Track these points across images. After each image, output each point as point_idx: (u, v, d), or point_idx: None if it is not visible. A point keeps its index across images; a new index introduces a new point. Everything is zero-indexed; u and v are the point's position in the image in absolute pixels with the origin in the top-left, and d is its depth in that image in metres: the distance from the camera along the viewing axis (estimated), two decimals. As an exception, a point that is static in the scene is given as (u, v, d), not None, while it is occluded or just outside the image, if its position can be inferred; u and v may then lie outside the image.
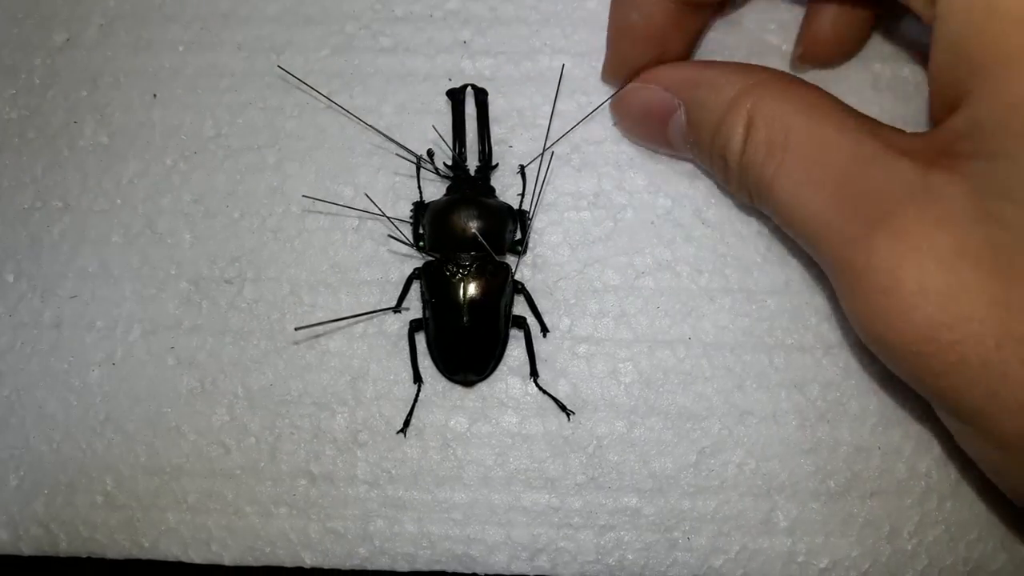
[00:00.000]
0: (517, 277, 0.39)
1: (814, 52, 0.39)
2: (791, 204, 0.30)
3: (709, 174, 0.39)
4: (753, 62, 0.40)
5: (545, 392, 0.38)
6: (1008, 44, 0.25)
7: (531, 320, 0.39)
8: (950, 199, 0.26)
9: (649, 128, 0.37)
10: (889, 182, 0.27)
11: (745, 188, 0.32)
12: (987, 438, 0.27)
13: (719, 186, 0.39)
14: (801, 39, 0.39)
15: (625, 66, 0.37)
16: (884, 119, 0.39)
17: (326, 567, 0.38)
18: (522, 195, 0.40)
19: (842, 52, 0.39)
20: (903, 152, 0.28)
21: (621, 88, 0.38)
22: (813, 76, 0.40)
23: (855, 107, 0.39)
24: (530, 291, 0.39)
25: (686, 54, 0.37)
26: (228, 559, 0.38)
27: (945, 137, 0.27)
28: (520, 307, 0.39)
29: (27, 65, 0.43)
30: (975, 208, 0.26)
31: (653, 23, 0.34)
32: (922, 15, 0.29)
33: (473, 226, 0.37)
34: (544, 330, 0.39)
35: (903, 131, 0.30)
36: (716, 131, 0.32)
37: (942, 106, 0.28)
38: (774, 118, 0.30)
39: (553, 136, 0.39)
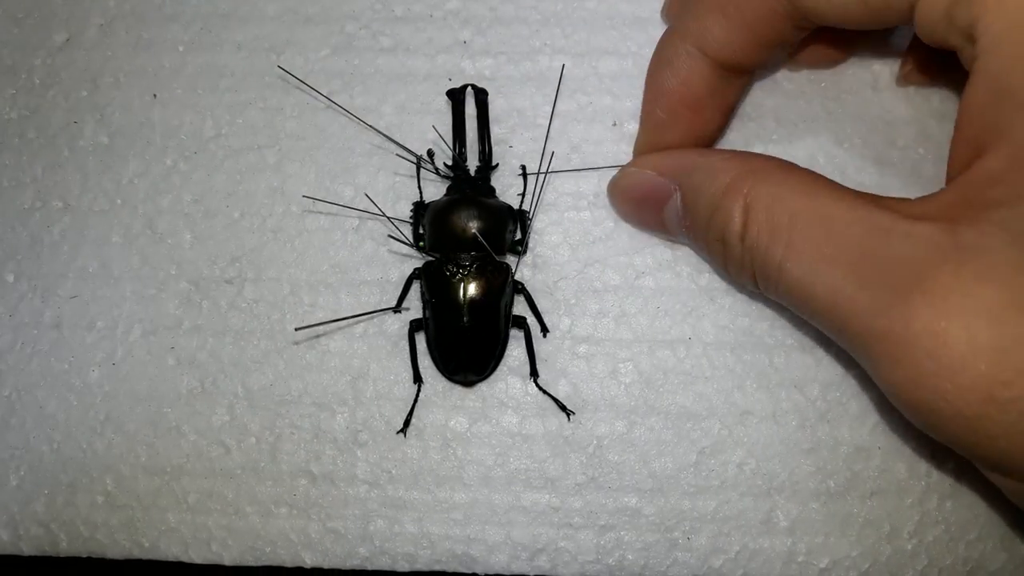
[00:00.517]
0: (517, 277, 0.39)
1: (920, 70, 0.39)
2: (806, 284, 0.29)
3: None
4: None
5: (545, 392, 0.38)
6: None
7: (531, 320, 0.39)
8: (989, 252, 0.25)
9: (645, 213, 0.37)
10: (913, 248, 0.26)
11: (749, 272, 0.32)
12: None
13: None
14: (906, 59, 0.39)
15: (658, 136, 0.36)
16: (884, 119, 0.40)
17: (326, 567, 0.38)
18: (523, 195, 0.40)
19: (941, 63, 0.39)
20: (919, 217, 0.27)
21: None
22: (813, 75, 0.40)
23: (855, 107, 0.40)
24: (530, 291, 0.39)
25: (721, 124, 0.37)
26: (228, 559, 0.38)
27: (972, 185, 0.26)
28: (520, 307, 0.39)
29: (27, 65, 0.43)
30: (1020, 256, 0.24)
31: (691, 89, 0.34)
32: (961, 54, 0.28)
33: (473, 226, 0.37)
34: (544, 330, 0.39)
35: (909, 199, 0.29)
36: (712, 216, 0.32)
37: (969, 151, 0.27)
38: (774, 201, 0.30)
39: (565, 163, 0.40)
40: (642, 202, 0.37)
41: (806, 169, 0.31)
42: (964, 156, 0.28)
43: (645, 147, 0.37)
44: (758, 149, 0.40)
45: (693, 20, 0.33)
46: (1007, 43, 0.25)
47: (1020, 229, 0.25)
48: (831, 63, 0.40)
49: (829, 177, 0.30)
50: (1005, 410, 0.25)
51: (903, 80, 0.40)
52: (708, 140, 0.37)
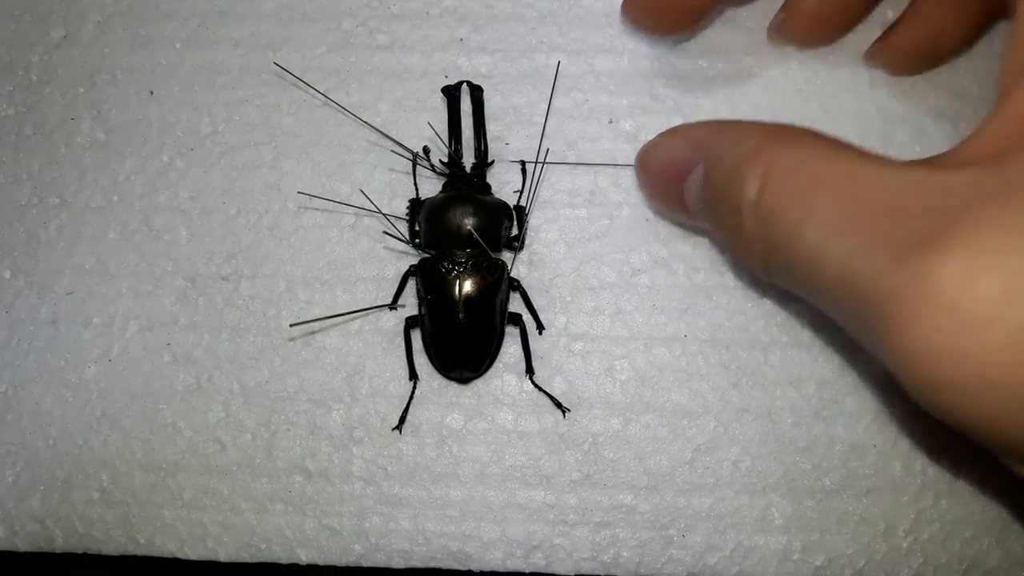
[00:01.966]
0: (513, 274, 0.39)
1: (793, 25, 0.38)
2: (819, 252, 0.25)
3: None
4: (749, 60, 0.40)
5: (541, 389, 0.38)
6: None
7: (527, 317, 0.39)
8: None
9: (667, 188, 0.36)
10: (950, 195, 0.23)
11: (759, 248, 0.29)
12: None
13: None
14: (783, 7, 0.37)
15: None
16: (881, 118, 0.40)
17: (322, 564, 0.38)
18: (521, 191, 0.40)
19: (823, 32, 0.37)
20: (961, 164, 0.24)
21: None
22: (807, 65, 0.40)
23: (851, 106, 0.40)
24: (526, 288, 0.39)
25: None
26: (224, 555, 0.38)
27: (1016, 119, 0.23)
28: (516, 304, 0.39)
29: (24, 62, 0.43)
30: None
31: None
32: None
33: (469, 223, 0.37)
34: (540, 327, 0.39)
35: (951, 151, 0.26)
36: (731, 181, 0.30)
37: (1020, 75, 0.24)
38: (796, 166, 0.27)
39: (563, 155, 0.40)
40: (665, 176, 0.36)
41: (836, 138, 0.29)
42: (1014, 81, 0.24)
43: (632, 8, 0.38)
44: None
45: None
46: None
47: None
48: (810, 42, 0.39)
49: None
50: None
51: (775, 32, 0.39)
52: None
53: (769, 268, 0.29)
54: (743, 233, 0.29)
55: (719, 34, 0.41)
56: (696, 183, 0.33)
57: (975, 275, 0.21)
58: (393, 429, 0.38)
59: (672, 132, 0.35)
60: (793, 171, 0.27)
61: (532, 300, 0.39)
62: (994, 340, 0.20)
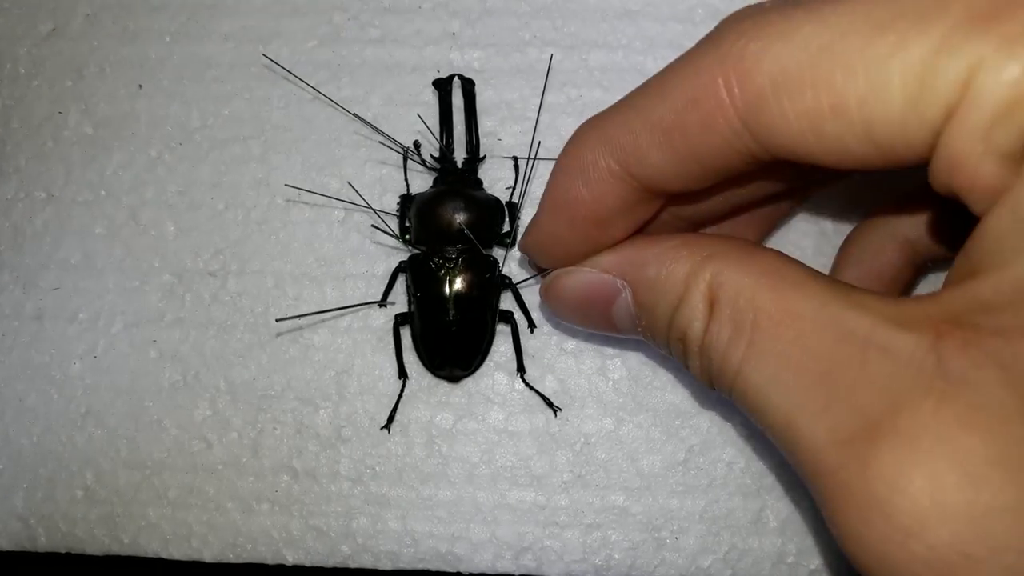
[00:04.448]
0: (504, 271, 0.38)
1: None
2: (763, 397, 0.24)
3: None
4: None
5: (532, 388, 0.38)
6: None
7: (518, 315, 0.38)
8: (979, 389, 0.20)
9: (590, 315, 0.31)
10: (891, 368, 0.21)
11: (706, 374, 0.27)
12: None
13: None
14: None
15: (551, 244, 0.31)
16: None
17: (308, 565, 0.38)
18: (513, 187, 0.39)
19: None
20: (902, 324, 0.22)
21: (544, 272, 0.33)
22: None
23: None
24: (517, 286, 0.38)
25: (627, 236, 0.30)
26: (209, 556, 0.38)
27: (970, 302, 0.21)
28: (507, 302, 0.38)
29: (12, 55, 0.42)
30: (1016, 403, 0.20)
31: (603, 204, 0.28)
32: (975, 196, 0.22)
33: (459, 219, 0.37)
34: (531, 325, 0.38)
35: (891, 298, 0.24)
36: (674, 314, 0.27)
37: (973, 264, 0.22)
38: (738, 293, 0.25)
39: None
40: (585, 304, 0.31)
41: (768, 249, 0.27)
42: (966, 268, 0.22)
43: (532, 247, 0.32)
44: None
45: (623, 132, 0.26)
46: None
47: (1019, 369, 0.20)
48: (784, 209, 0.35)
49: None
50: None
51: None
52: (606, 247, 0.30)
53: (720, 392, 0.27)
54: (691, 361, 0.28)
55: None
56: (625, 308, 0.30)
57: (905, 482, 0.20)
58: (382, 428, 0.38)
59: (587, 264, 0.30)
60: (736, 297, 0.25)
61: (523, 298, 0.38)
62: (920, 551, 0.20)
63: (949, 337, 0.21)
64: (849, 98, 0.20)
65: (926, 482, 0.20)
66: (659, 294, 0.28)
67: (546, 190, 0.30)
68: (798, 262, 0.26)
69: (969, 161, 0.19)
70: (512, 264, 0.39)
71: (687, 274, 0.26)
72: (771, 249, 0.27)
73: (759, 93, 0.22)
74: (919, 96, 0.20)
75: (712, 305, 0.26)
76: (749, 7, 0.23)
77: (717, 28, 0.24)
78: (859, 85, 0.20)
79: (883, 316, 0.22)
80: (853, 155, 0.22)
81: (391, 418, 0.38)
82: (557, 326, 0.38)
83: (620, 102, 0.27)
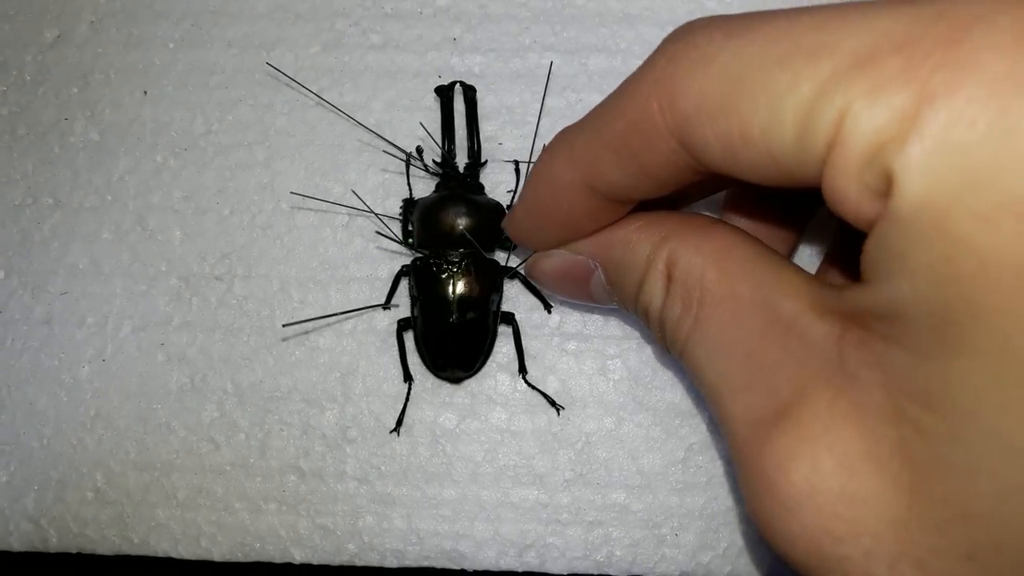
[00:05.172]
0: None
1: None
2: (701, 371, 0.26)
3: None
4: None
5: (534, 388, 0.38)
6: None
7: (519, 315, 0.39)
8: (865, 387, 0.22)
9: (571, 289, 0.33)
10: (804, 355, 0.23)
11: (666, 346, 0.29)
12: None
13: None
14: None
15: (528, 236, 0.33)
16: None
17: (315, 563, 0.38)
18: (514, 191, 0.40)
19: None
20: (824, 312, 0.23)
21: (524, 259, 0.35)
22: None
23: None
24: (518, 268, 0.39)
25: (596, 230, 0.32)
26: (217, 555, 0.38)
27: (862, 303, 0.22)
28: (509, 304, 0.39)
29: (18, 62, 0.43)
30: (891, 405, 0.21)
31: (571, 211, 0.30)
32: (862, 216, 0.22)
33: (461, 223, 0.37)
34: (548, 307, 0.39)
35: (829, 283, 0.25)
36: (638, 291, 0.29)
37: (864, 270, 0.22)
38: (689, 272, 0.27)
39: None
40: (564, 281, 0.33)
41: (726, 225, 0.28)
42: (864, 271, 0.22)
43: (512, 236, 0.34)
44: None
45: (585, 150, 0.27)
46: (929, 184, 0.19)
47: (900, 378, 0.21)
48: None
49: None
50: (833, 567, 0.22)
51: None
52: (581, 237, 0.32)
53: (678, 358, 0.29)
54: (652, 331, 0.30)
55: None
56: (600, 283, 0.32)
57: (789, 465, 0.22)
58: (391, 432, 0.39)
59: (563, 247, 0.32)
60: (687, 276, 0.27)
61: (524, 299, 0.39)
62: (794, 529, 0.22)
63: (850, 333, 0.22)
64: (754, 128, 0.22)
65: (807, 467, 0.22)
66: (624, 273, 0.30)
67: (522, 193, 0.32)
68: (752, 238, 0.27)
69: (847, 195, 0.20)
70: (514, 265, 0.39)
71: (647, 255, 0.28)
72: (728, 226, 0.28)
73: (685, 117, 0.23)
74: (805, 133, 0.21)
75: (668, 283, 0.28)
76: (689, 22, 0.24)
77: (658, 47, 0.25)
78: (761, 117, 0.21)
79: (808, 302, 0.24)
80: (768, 176, 0.23)
81: (399, 422, 0.38)
82: (558, 327, 0.39)
83: (585, 117, 0.28)
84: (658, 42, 0.25)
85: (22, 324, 0.40)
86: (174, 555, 0.38)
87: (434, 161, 0.40)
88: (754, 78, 0.22)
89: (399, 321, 0.39)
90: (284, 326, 0.39)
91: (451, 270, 0.38)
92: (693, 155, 0.24)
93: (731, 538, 0.37)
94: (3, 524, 0.39)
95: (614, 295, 0.31)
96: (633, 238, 0.29)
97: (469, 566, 0.38)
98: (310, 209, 0.40)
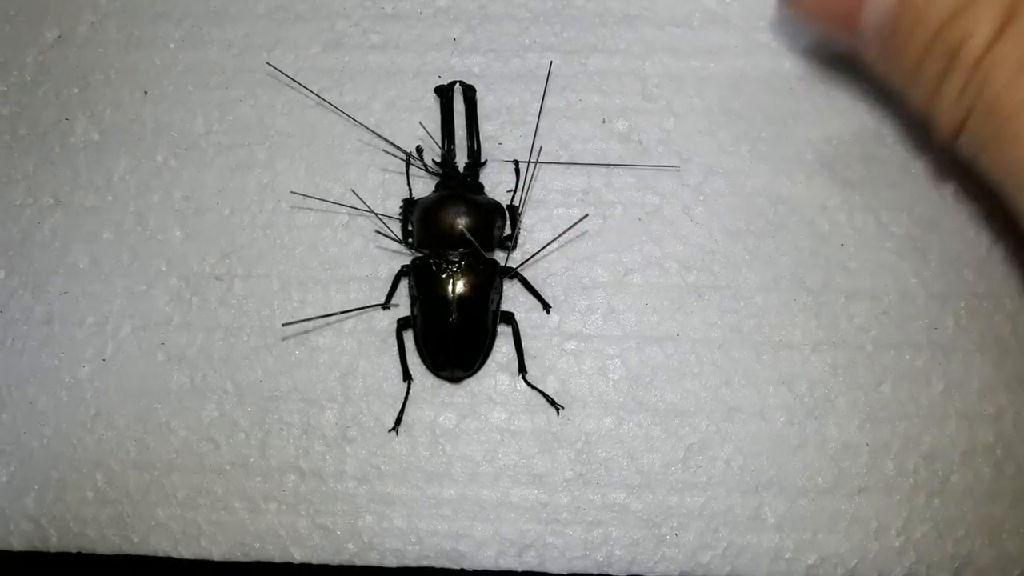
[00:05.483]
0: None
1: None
2: None
3: (700, 170, 0.39)
4: (741, 60, 0.40)
5: (534, 387, 0.38)
6: None
7: (519, 315, 0.39)
8: None
9: (835, 10, 0.27)
10: None
11: (964, 106, 0.23)
12: None
13: (707, 183, 0.39)
14: None
15: None
16: (873, 116, 0.40)
17: (315, 563, 0.38)
18: (514, 190, 0.40)
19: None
20: None
21: None
22: (799, 64, 0.40)
23: (843, 104, 0.40)
24: (519, 269, 0.39)
25: None
26: (217, 554, 0.38)
27: None
28: (508, 303, 0.39)
29: (18, 62, 0.43)
30: None
31: None
32: None
33: (461, 223, 0.37)
34: (546, 307, 0.39)
35: None
36: (951, 18, 0.22)
37: None
38: None
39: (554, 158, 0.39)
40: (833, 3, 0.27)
41: None
42: None
43: None
44: (746, 147, 0.40)
45: None
46: None
47: None
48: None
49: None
50: None
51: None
52: None
53: (962, 136, 0.23)
54: (952, 86, 0.23)
55: (712, 34, 0.41)
56: (880, 15, 0.25)
57: None
58: (390, 431, 0.39)
59: None
60: None
61: (525, 299, 0.39)
62: None
63: None
64: None
65: None
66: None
67: None
68: None
69: None
70: (514, 266, 0.39)
71: None
72: None
73: None
74: None
75: (1010, 17, 0.21)
76: None
77: None
78: None
79: None
80: None
81: (398, 421, 0.38)
82: (558, 327, 0.39)
83: None
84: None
85: (22, 324, 0.40)
86: (174, 555, 0.38)
87: (434, 161, 0.40)
88: None
89: (399, 320, 0.39)
90: (284, 326, 0.39)
91: (451, 270, 0.38)
92: None
93: (730, 537, 0.37)
94: (3, 524, 0.39)
95: (902, 22, 0.24)
96: None
97: (469, 566, 0.38)
98: (310, 209, 0.40)
